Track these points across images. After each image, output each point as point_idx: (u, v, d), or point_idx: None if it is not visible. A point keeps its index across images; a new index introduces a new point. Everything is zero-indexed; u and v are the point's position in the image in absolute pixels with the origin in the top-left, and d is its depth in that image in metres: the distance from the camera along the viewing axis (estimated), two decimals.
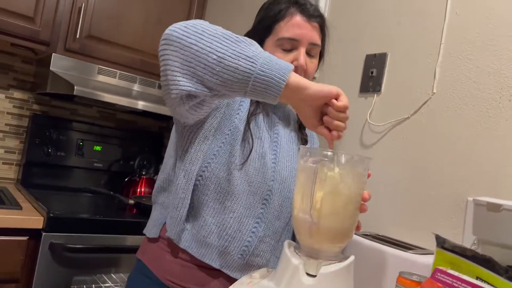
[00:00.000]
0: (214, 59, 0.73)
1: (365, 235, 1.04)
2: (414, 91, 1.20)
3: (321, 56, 1.03)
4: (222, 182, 0.90)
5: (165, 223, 0.94)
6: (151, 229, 0.97)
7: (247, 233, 0.91)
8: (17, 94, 2.07)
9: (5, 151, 2.05)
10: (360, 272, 0.97)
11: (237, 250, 0.91)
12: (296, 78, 0.74)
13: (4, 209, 1.51)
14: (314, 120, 0.79)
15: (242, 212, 0.91)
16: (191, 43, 0.74)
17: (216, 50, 0.73)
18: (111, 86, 1.90)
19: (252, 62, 0.72)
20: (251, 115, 0.96)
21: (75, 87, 1.63)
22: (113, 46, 1.95)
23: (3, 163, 2.05)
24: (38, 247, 1.48)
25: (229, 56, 0.73)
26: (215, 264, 0.90)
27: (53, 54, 1.77)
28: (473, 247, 0.76)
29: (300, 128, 1.08)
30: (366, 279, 0.96)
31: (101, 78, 1.90)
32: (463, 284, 0.57)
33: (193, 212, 0.92)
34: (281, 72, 0.73)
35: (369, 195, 0.81)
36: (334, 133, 0.78)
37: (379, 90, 1.29)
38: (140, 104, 1.82)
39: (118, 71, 1.95)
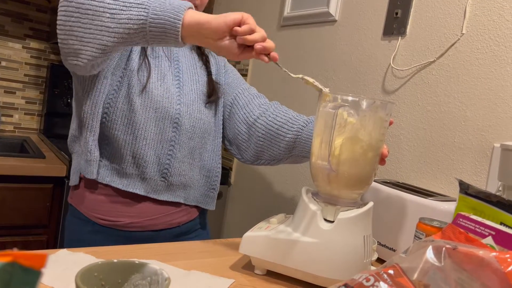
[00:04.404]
0: (108, 17, 0.73)
1: (385, 182, 1.03)
2: (441, 32, 1.14)
3: None
4: (127, 114, 0.93)
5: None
6: (71, 177, 1.00)
7: (165, 156, 0.96)
8: (33, 44, 2.06)
9: (26, 102, 2.08)
10: (379, 218, 0.96)
11: (158, 174, 0.96)
12: (195, 16, 0.72)
13: (28, 158, 1.55)
14: (231, 51, 0.75)
15: (155, 138, 0.95)
16: (87, 8, 0.73)
17: (108, 8, 0.73)
18: None
19: (144, 8, 0.72)
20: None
21: None
22: None
23: (25, 114, 2.08)
24: (63, 194, 1.53)
25: (120, 9, 0.73)
26: (140, 191, 0.95)
27: None
28: (497, 194, 0.73)
29: (199, 47, 1.10)
30: (385, 226, 0.96)
31: None
32: (486, 230, 0.55)
33: (107, 149, 0.95)
34: (175, 12, 0.72)
35: (388, 151, 0.81)
36: (263, 56, 0.76)
37: (404, 33, 1.22)
38: None
39: None
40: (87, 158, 0.93)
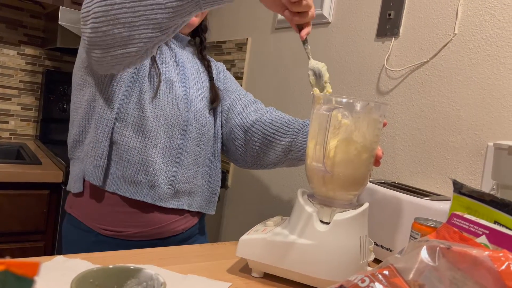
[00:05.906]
0: None
1: (381, 183, 1.03)
2: (434, 33, 1.14)
3: None
4: (138, 120, 0.92)
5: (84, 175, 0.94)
6: (73, 184, 0.97)
7: (172, 164, 0.96)
8: (28, 50, 2.06)
9: (22, 108, 2.07)
10: (375, 219, 0.96)
11: (166, 182, 0.95)
12: None
13: (24, 165, 1.54)
14: (278, 6, 0.82)
15: (163, 146, 0.94)
16: None
17: None
18: None
19: None
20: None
21: None
22: None
23: (21, 120, 2.08)
24: (60, 200, 1.53)
25: None
26: (147, 199, 0.94)
27: (60, 7, 1.74)
28: (491, 193, 0.74)
29: (201, 52, 1.12)
30: (381, 226, 0.96)
31: None
32: (480, 229, 0.56)
33: (115, 155, 0.93)
34: None
35: (382, 153, 0.82)
36: (296, 19, 0.81)
37: (397, 34, 1.23)
38: None
39: None
40: (96, 164, 0.91)
